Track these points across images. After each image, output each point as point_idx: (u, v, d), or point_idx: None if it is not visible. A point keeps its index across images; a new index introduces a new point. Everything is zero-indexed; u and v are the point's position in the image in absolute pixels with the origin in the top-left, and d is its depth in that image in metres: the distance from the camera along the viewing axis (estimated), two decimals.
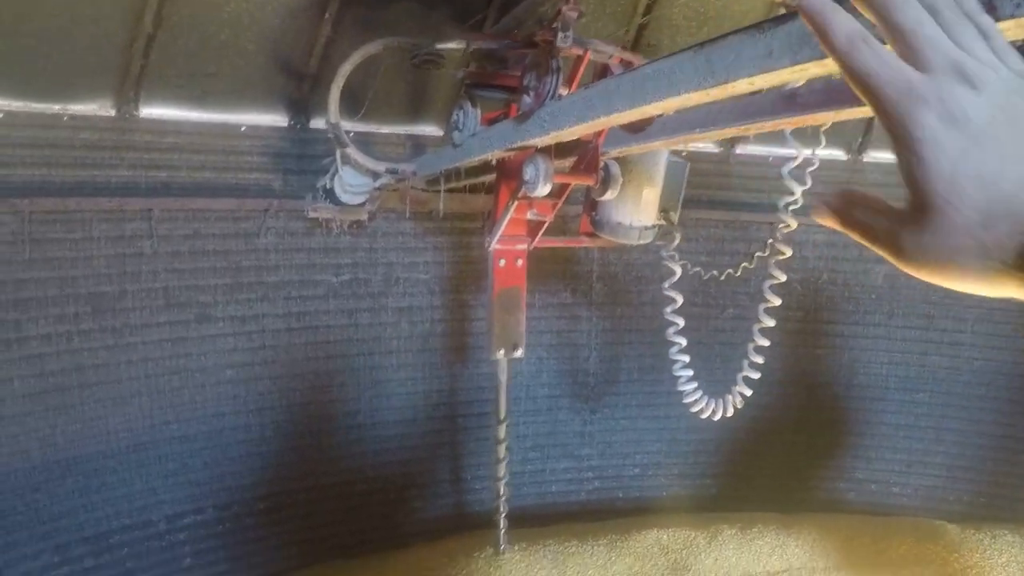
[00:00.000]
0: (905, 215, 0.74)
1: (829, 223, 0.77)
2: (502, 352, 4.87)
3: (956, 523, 6.41)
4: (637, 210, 4.53)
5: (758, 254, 4.65)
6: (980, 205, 0.65)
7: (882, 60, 0.69)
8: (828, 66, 1.56)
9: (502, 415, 5.10)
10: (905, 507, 7.09)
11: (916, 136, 0.68)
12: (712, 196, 6.34)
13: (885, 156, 6.35)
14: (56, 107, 4.57)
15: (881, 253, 0.75)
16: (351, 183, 5.11)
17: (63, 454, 4.94)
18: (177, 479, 5.39)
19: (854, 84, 0.71)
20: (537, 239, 4.70)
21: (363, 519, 6.12)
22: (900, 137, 0.70)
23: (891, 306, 6.83)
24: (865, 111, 1.66)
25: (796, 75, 1.67)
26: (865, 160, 6.37)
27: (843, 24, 0.71)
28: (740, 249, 6.37)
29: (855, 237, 0.76)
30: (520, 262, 4.76)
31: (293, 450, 5.79)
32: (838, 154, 6.34)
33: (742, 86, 1.79)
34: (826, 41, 0.72)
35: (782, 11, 3.38)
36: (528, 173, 3.71)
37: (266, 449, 5.71)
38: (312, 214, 5.37)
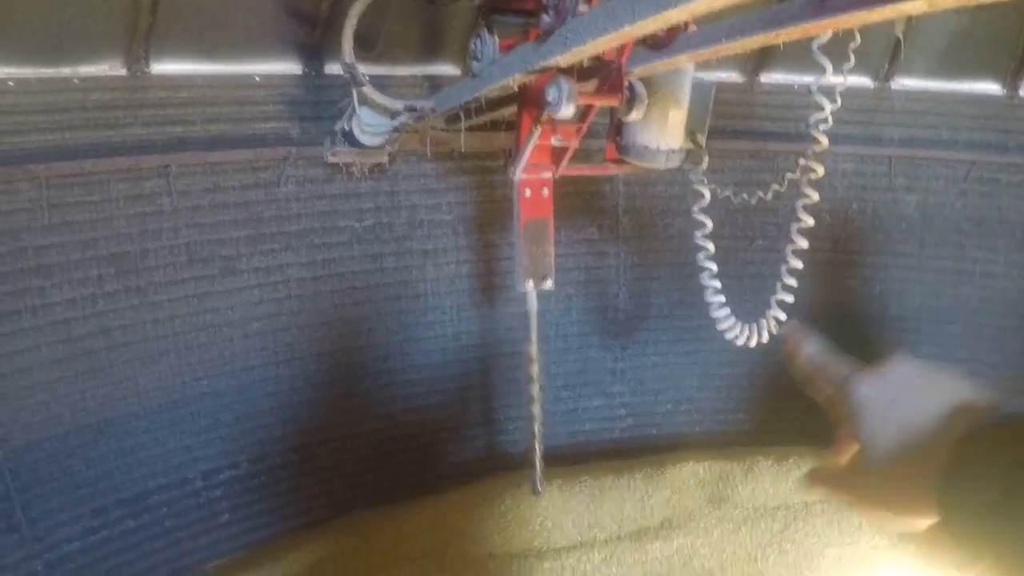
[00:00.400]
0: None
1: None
2: (531, 284, 4.75)
3: None
4: (663, 133, 4.33)
5: (788, 175, 4.54)
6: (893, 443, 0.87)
7: (827, 369, 1.03)
8: None
9: (533, 354, 5.04)
10: None
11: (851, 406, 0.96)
12: (736, 126, 6.18)
13: (913, 83, 6.19)
14: (66, 70, 4.48)
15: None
16: (369, 123, 4.99)
17: (95, 417, 4.93)
18: (210, 435, 5.39)
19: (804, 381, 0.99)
20: (563, 166, 4.55)
21: (396, 465, 6.13)
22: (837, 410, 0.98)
23: (922, 236, 6.66)
24: (898, 10, 1.61)
25: None
26: (893, 87, 6.19)
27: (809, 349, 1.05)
28: (767, 180, 6.11)
29: None
30: (546, 191, 4.63)
31: (324, 399, 5.78)
32: (864, 81, 6.17)
33: None
34: (795, 358, 1.05)
35: None
36: (551, 94, 3.51)
37: (297, 400, 5.69)
38: (331, 159, 5.27)
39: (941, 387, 0.88)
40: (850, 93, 3.46)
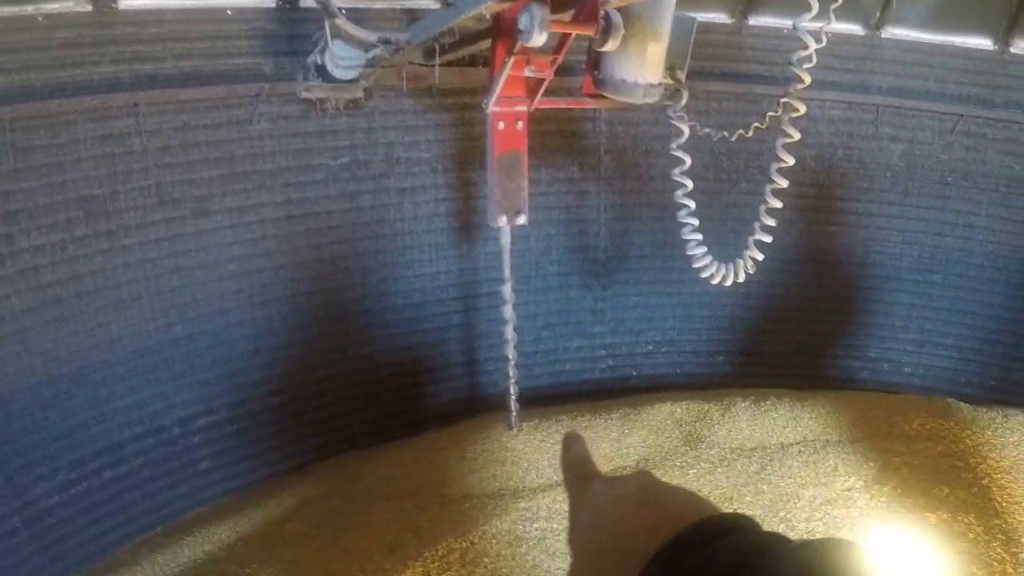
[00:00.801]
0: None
1: None
2: (504, 219, 4.77)
3: (968, 404, 6.39)
4: (642, 66, 4.32)
5: (770, 113, 4.47)
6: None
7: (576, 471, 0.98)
8: None
9: (507, 292, 5.05)
10: (916, 387, 7.10)
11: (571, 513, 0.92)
12: (724, 68, 6.11)
13: (904, 33, 6.15)
14: (29, 8, 4.30)
15: None
16: (342, 56, 4.85)
17: (68, 367, 4.83)
18: (186, 381, 5.31)
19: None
20: (537, 99, 4.52)
21: (377, 407, 6.10)
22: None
23: (906, 185, 6.65)
24: None
25: None
26: (883, 36, 6.14)
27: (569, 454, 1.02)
28: (752, 122, 6.17)
29: None
30: (520, 124, 4.60)
31: (302, 342, 5.70)
32: (855, 29, 6.10)
33: None
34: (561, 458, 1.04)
35: None
36: (523, 22, 3.55)
37: (274, 343, 5.61)
38: (305, 94, 5.13)
39: (656, 506, 0.80)
40: (840, 40, 3.40)
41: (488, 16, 3.93)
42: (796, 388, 6.47)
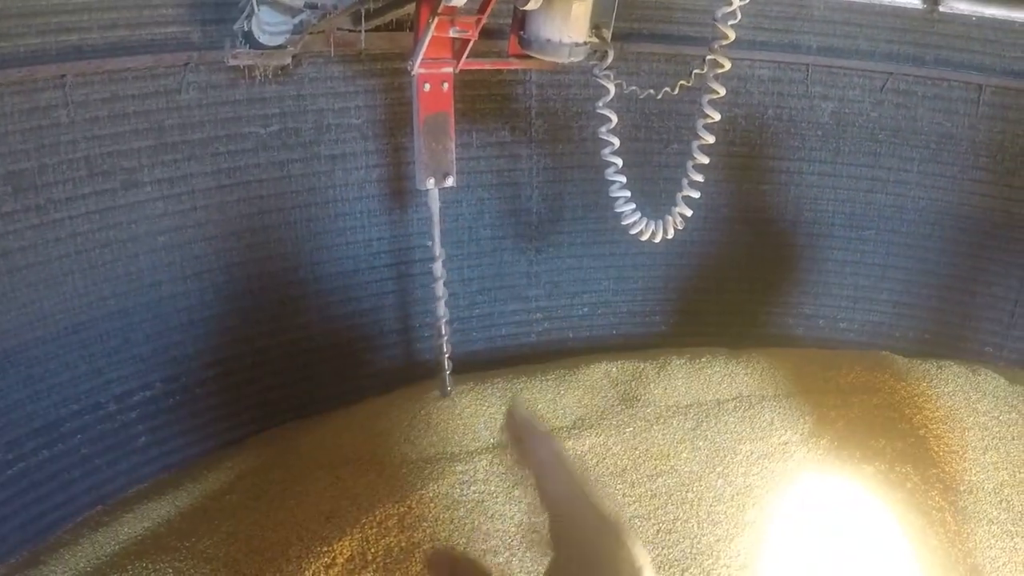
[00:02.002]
0: None
1: None
2: (432, 181, 4.85)
3: (902, 357, 6.58)
4: (567, 26, 4.36)
5: (695, 71, 4.58)
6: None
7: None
8: None
9: (436, 249, 5.13)
10: (852, 342, 7.26)
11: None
12: (653, 29, 6.15)
13: (966, 7, 6.23)
14: None
15: None
16: (269, 22, 4.80)
17: (1, 345, 4.78)
18: (121, 356, 5.28)
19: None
20: (463, 61, 4.58)
21: (313, 377, 6.12)
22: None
23: (837, 143, 6.78)
24: None
25: None
26: (942, 9, 6.23)
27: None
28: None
29: None
30: (446, 86, 4.66)
31: (236, 313, 5.70)
32: (914, 2, 6.24)
33: None
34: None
35: None
36: None
37: (208, 314, 5.60)
38: (232, 61, 5.07)
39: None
40: (894, 12, 3.48)
41: None
42: (732, 347, 6.61)
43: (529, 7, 4.11)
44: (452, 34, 4.32)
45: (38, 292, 4.89)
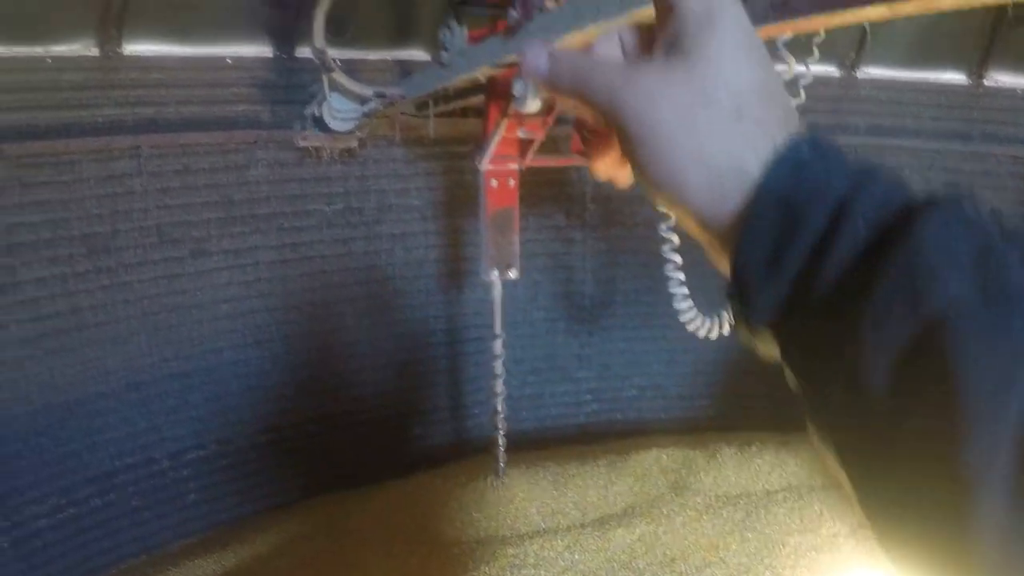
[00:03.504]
0: (650, 59, 0.67)
1: (534, 77, 0.72)
2: (496, 273, 4.89)
3: None
4: None
5: None
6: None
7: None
8: None
9: (497, 330, 5.12)
10: None
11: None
12: None
13: (880, 72, 6.31)
14: (38, 49, 4.51)
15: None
16: (339, 109, 5.08)
17: (64, 397, 4.96)
18: (179, 416, 5.43)
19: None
20: (529, 158, 4.68)
21: (364, 448, 6.18)
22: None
23: None
24: (860, 16, 1.65)
25: None
26: (859, 76, 6.30)
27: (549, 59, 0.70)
28: None
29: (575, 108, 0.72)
30: (512, 182, 4.75)
31: (293, 382, 5.83)
32: (831, 70, 6.26)
33: None
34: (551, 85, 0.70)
35: None
36: (517, 88, 3.48)
37: (266, 382, 5.74)
38: (302, 143, 5.34)
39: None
40: (817, 82, 3.52)
41: (482, 78, 4.00)
42: (781, 431, 6.50)
43: None
44: (520, 135, 4.46)
45: (104, 349, 5.08)
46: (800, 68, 3.57)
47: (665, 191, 0.63)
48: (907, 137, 6.48)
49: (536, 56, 0.71)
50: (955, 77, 6.31)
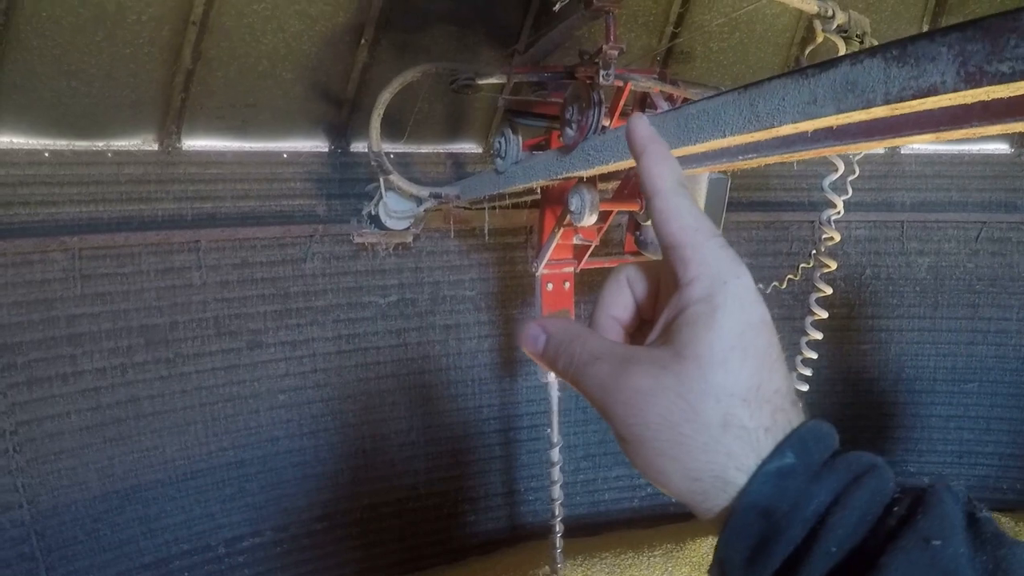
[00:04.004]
0: (641, 354, 0.65)
1: (532, 352, 0.73)
2: (552, 375, 4.80)
3: (1010, 513, 6.22)
4: None
5: (802, 265, 4.55)
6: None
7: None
8: (873, 113, 1.55)
9: (555, 438, 4.99)
10: None
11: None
12: (751, 197, 6.24)
13: (923, 146, 6.21)
14: (100, 144, 4.63)
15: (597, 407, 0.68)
16: (396, 208, 5.11)
17: (122, 484, 4.97)
18: (235, 503, 5.40)
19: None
20: (583, 262, 4.65)
21: (418, 535, 6.09)
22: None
23: (936, 298, 6.66)
24: (908, 142, 1.66)
25: (840, 121, 1.65)
26: (903, 152, 6.24)
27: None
28: (782, 249, 6.30)
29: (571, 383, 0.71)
30: (567, 285, 4.72)
31: (348, 470, 5.77)
32: (1002, 148, 6.26)
33: (786, 130, 1.80)
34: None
35: (817, 36, 3.27)
36: (574, 204, 3.67)
37: (321, 470, 5.69)
38: (358, 239, 5.38)
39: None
40: (861, 160, 3.47)
41: (536, 188, 4.06)
42: None
43: (651, 222, 4.18)
44: (575, 241, 4.47)
45: (161, 438, 5.09)
46: (830, 211, 3.55)
47: (651, 480, 0.64)
48: (953, 210, 6.38)
49: (534, 337, 0.72)
50: (998, 147, 6.24)
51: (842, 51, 3.37)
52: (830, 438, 0.64)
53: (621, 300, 0.75)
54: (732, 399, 0.60)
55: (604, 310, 0.76)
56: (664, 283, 0.71)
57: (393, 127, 4.95)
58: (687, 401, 0.60)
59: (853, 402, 6.86)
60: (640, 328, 0.75)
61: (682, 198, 0.69)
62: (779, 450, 0.60)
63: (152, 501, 5.09)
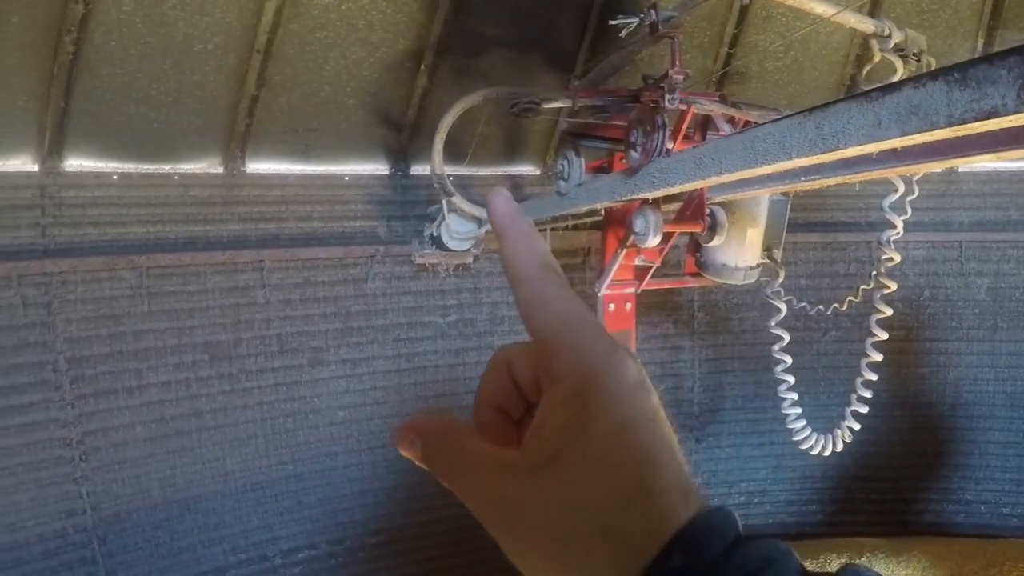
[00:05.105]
0: (514, 462, 0.59)
1: (409, 455, 0.66)
2: None
3: None
4: (742, 251, 4.28)
5: (862, 287, 4.33)
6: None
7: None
8: (936, 135, 1.54)
9: None
10: (1016, 528, 6.50)
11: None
12: (808, 218, 6.01)
13: (982, 165, 5.92)
14: (167, 167, 4.63)
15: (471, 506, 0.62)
16: (458, 230, 5.06)
17: (183, 494, 4.95)
18: (292, 516, 5.33)
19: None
20: (644, 283, 4.51)
21: (473, 552, 5.93)
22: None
23: (995, 320, 6.33)
24: (968, 162, 1.61)
25: (904, 143, 1.65)
26: (961, 171, 5.96)
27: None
28: (839, 270, 6.08)
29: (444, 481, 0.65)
30: (629, 305, 4.59)
31: (405, 486, 5.65)
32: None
33: (851, 152, 1.80)
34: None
35: (874, 55, 3.14)
36: (638, 225, 3.57)
37: (378, 486, 5.59)
38: (419, 260, 5.34)
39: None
40: (919, 179, 3.30)
41: (601, 209, 4.03)
42: (890, 536, 6.09)
43: (713, 244, 4.11)
44: (638, 262, 4.35)
45: (223, 450, 5.04)
46: (889, 232, 3.36)
47: None
48: (1012, 229, 6.09)
49: (410, 441, 0.66)
50: None
51: (900, 70, 3.33)
52: (727, 528, 0.54)
53: (501, 387, 0.67)
54: (610, 506, 0.53)
55: (483, 400, 0.68)
56: (543, 367, 0.62)
57: (452, 150, 4.84)
58: (561, 514, 0.54)
59: (910, 427, 6.53)
60: (529, 411, 0.65)
61: (549, 285, 0.62)
62: (665, 553, 0.52)
63: (211, 511, 5.05)
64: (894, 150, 1.92)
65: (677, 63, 3.22)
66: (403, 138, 5.11)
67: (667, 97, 3.18)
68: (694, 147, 2.58)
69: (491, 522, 0.60)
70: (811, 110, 1.85)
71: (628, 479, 0.54)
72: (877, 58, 3.40)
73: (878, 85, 1.66)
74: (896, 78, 3.24)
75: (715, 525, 0.54)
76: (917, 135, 1.56)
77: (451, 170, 4.95)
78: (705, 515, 0.54)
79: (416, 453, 0.66)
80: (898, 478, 6.56)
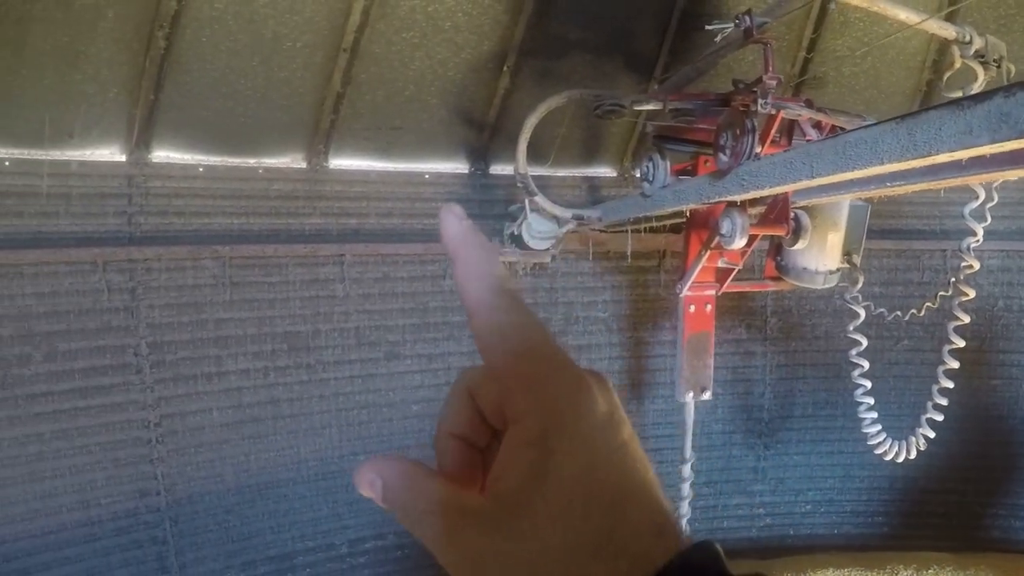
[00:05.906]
0: (476, 507, 0.55)
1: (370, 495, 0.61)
2: (691, 395, 4.62)
3: None
4: (822, 255, 4.16)
5: (940, 294, 4.12)
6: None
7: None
8: None
9: (687, 454, 4.76)
10: None
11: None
12: (883, 225, 5.74)
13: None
14: (251, 161, 4.62)
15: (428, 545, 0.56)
16: (539, 229, 4.96)
17: (255, 479, 4.95)
18: (361, 506, 5.27)
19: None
20: (726, 285, 4.43)
21: None
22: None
23: None
24: None
25: (994, 150, 1.63)
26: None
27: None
28: (913, 279, 5.85)
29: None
30: (709, 307, 4.50)
31: None
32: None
33: (942, 158, 1.80)
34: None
35: (955, 61, 3.03)
36: (724, 227, 3.48)
37: None
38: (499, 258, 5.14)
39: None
40: (997, 186, 3.14)
41: (686, 211, 3.96)
42: (957, 551, 5.85)
43: (797, 247, 4.03)
44: (720, 264, 4.27)
45: (297, 439, 5.03)
46: (969, 239, 3.22)
47: None
48: None
49: (371, 483, 0.60)
50: None
51: (980, 76, 3.24)
52: (708, 565, 0.52)
53: (464, 415, 0.63)
54: (578, 558, 0.50)
55: (445, 430, 0.64)
56: (506, 400, 0.57)
57: (532, 150, 4.73)
58: (525, 564, 0.51)
59: (982, 440, 6.24)
60: (496, 437, 0.61)
61: (504, 314, 0.58)
62: None
63: (282, 498, 5.05)
64: (983, 157, 1.87)
65: (771, 68, 3.20)
66: (484, 138, 5.04)
67: (760, 101, 3.15)
68: (784, 151, 2.56)
69: (455, 570, 0.55)
70: (903, 117, 1.85)
71: (596, 527, 0.51)
72: (958, 64, 3.29)
73: (961, 91, 1.62)
74: (977, 84, 3.22)
75: (693, 564, 0.51)
76: (1007, 143, 1.56)
77: (532, 171, 4.86)
78: (683, 555, 0.51)
79: (376, 494, 0.60)
80: (966, 492, 6.28)
